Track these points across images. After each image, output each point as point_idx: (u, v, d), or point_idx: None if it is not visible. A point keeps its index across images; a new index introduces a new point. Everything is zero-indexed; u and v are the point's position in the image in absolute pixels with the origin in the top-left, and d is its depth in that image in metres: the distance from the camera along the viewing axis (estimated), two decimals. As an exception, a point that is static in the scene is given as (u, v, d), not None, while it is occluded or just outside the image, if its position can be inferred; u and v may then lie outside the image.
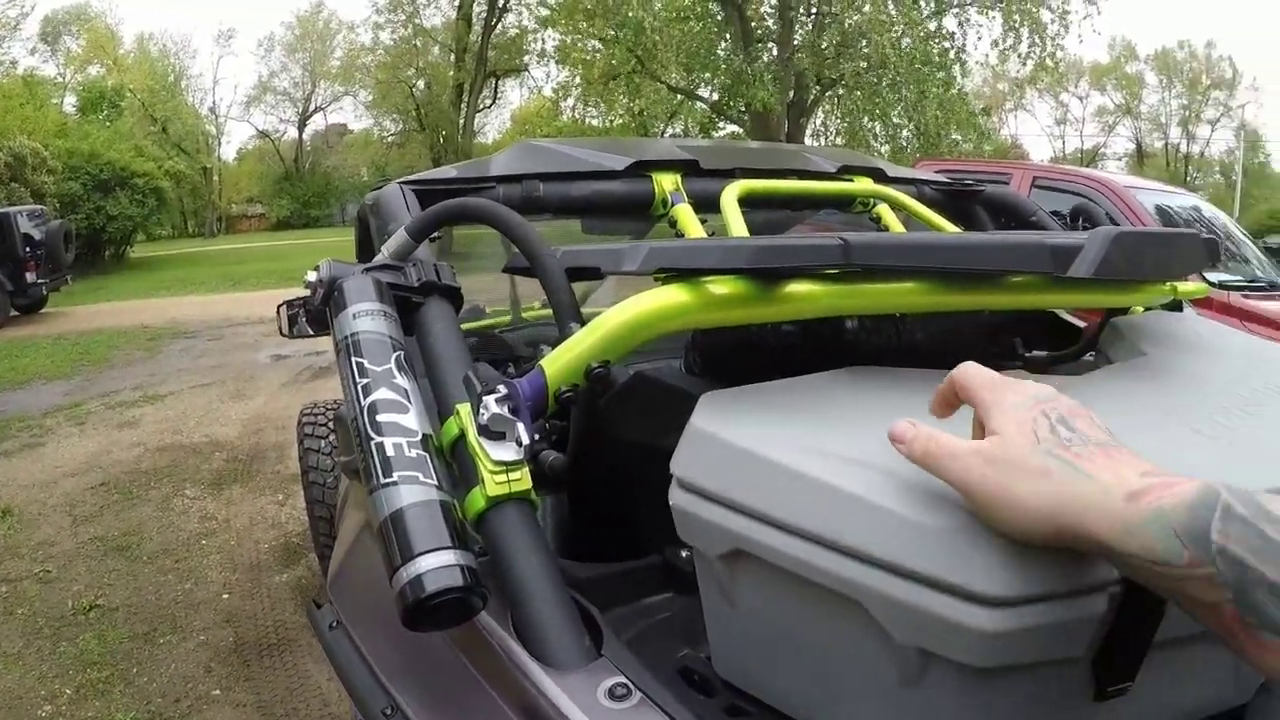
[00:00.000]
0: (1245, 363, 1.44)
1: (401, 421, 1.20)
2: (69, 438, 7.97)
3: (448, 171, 2.14)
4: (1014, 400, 0.84)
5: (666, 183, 2.11)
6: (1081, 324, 2.05)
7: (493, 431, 1.18)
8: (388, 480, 1.13)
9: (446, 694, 1.24)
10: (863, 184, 2.42)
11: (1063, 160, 56.31)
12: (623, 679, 1.05)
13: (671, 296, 1.26)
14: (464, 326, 3.76)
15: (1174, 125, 63.13)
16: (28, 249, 16.46)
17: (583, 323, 1.33)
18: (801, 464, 0.97)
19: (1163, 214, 7.50)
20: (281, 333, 3.58)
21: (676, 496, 1.08)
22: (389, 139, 49.24)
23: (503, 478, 1.17)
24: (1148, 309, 2.02)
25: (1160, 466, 0.76)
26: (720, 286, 1.26)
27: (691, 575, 1.25)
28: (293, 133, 59.57)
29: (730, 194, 2.02)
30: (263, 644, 4.33)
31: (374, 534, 1.14)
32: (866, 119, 25.08)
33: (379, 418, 1.20)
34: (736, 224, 1.93)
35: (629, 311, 1.26)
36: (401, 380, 1.27)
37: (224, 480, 6.71)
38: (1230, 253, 7.65)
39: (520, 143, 2.54)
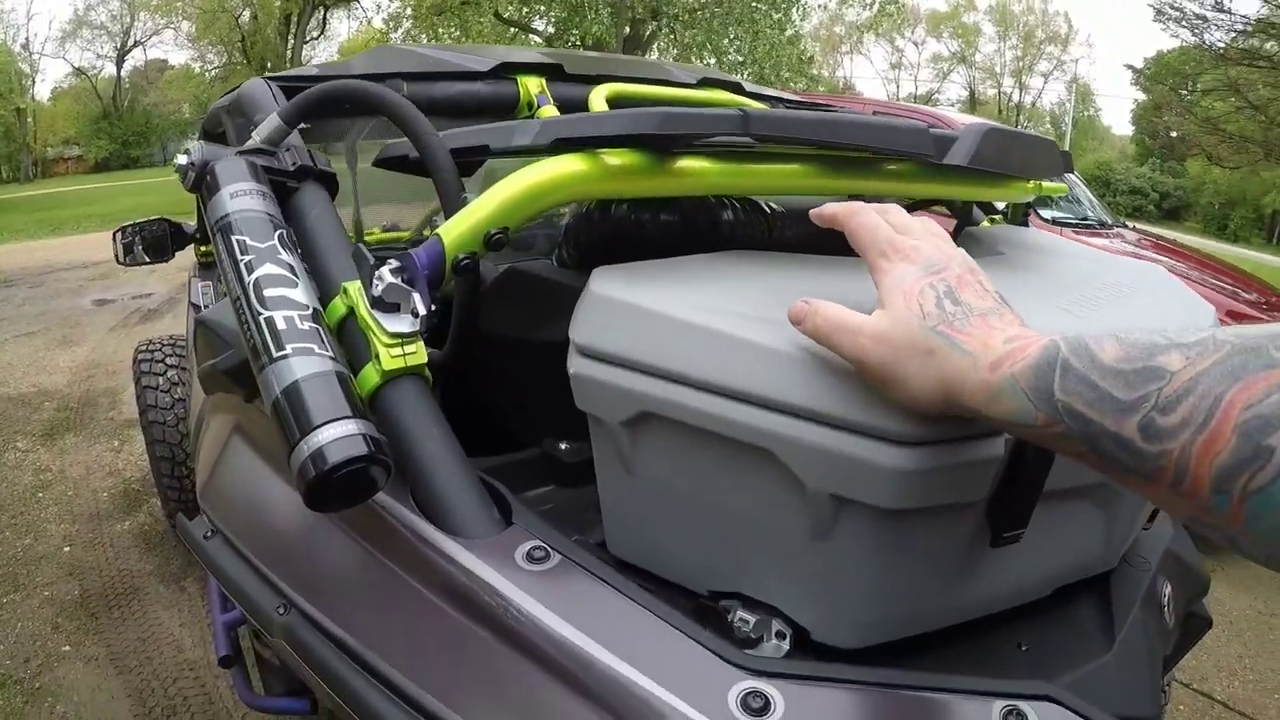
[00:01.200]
0: (1092, 266, 1.52)
1: (290, 295, 1.15)
2: (-117, 397, 7.49)
3: (309, 70, 2.07)
4: (904, 270, 0.88)
5: (532, 85, 2.10)
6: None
7: (387, 304, 1.14)
8: (280, 354, 1.07)
9: (344, 581, 1.16)
10: (724, 96, 2.46)
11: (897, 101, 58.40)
12: (538, 542, 1.03)
13: (569, 165, 1.25)
14: (373, 238, 3.72)
15: (1007, 75, 65.50)
16: None
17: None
18: (708, 320, 1.00)
19: None
20: (117, 260, 3.61)
21: (576, 364, 1.11)
22: (212, 72, 47.67)
23: (398, 351, 1.14)
24: (1011, 207, 2.25)
25: (1028, 330, 0.81)
26: (616, 158, 1.27)
27: (571, 467, 1.33)
28: (110, 69, 56.77)
29: (599, 95, 2.04)
30: (110, 595, 4.20)
31: (267, 414, 1.08)
32: (701, 56, 25.12)
33: (266, 292, 1.14)
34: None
35: (527, 179, 1.24)
36: (286, 256, 1.22)
37: (56, 430, 6.41)
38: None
39: (380, 46, 2.53)
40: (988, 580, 1.09)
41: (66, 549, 4.65)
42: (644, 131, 1.25)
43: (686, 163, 1.33)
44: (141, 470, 5.49)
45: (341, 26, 52.31)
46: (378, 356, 1.13)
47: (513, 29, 27.39)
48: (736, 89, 2.55)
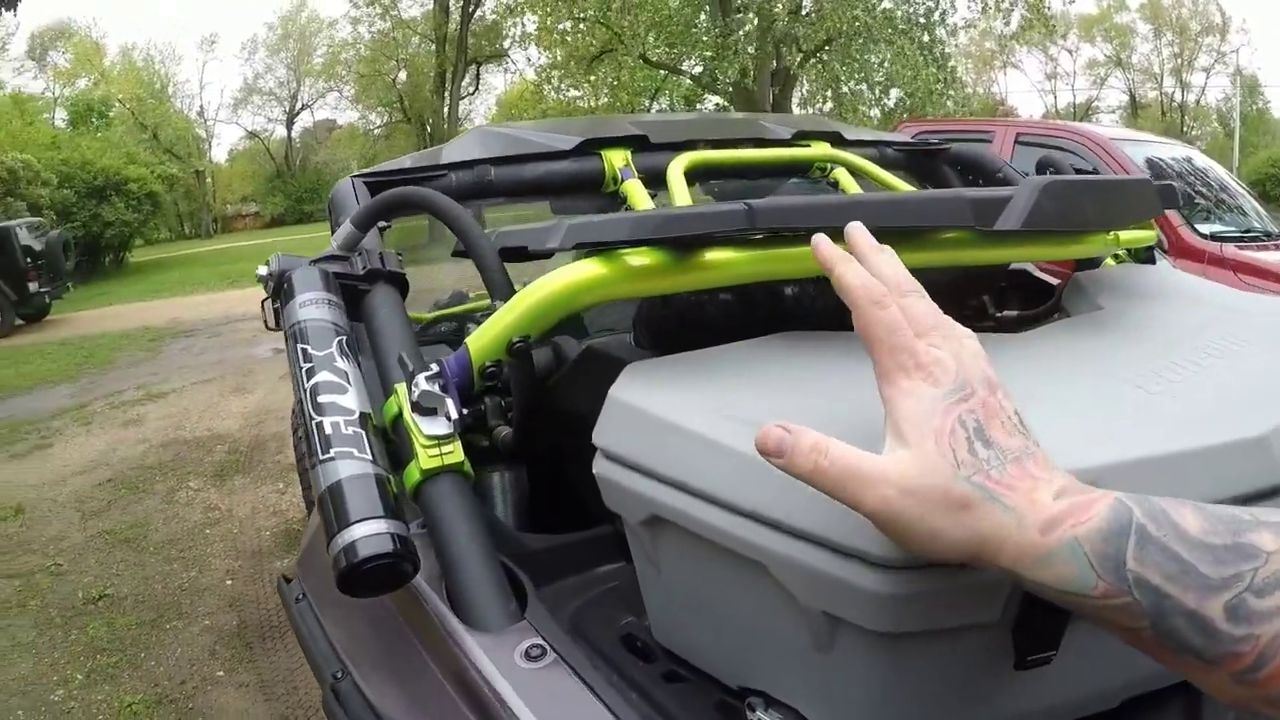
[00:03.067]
0: (1207, 313, 1.39)
1: (340, 401, 1.24)
2: (76, 437, 8.14)
3: (403, 162, 2.15)
4: (928, 396, 0.74)
5: (616, 159, 2.11)
6: (1055, 281, 1.97)
7: (424, 408, 1.24)
8: (326, 456, 1.17)
9: (388, 660, 1.30)
10: (818, 149, 2.38)
11: (1055, 116, 55.26)
12: (539, 640, 1.08)
13: (588, 270, 1.26)
14: (447, 311, 3.74)
15: (1167, 75, 61.55)
16: (28, 260, 16.68)
17: None
18: (707, 429, 0.97)
19: (1153, 166, 7.24)
20: (267, 326, 3.79)
21: (599, 465, 1.10)
22: (376, 131, 49.17)
23: (435, 451, 1.22)
24: (1118, 260, 2.04)
25: (1077, 483, 0.72)
26: (636, 258, 1.26)
27: None
28: (281, 131, 59.43)
29: (676, 167, 2.03)
30: (265, 627, 4.47)
31: (316, 506, 1.20)
32: (849, 84, 24.92)
33: (320, 398, 1.24)
34: (681, 195, 1.95)
35: (546, 287, 1.27)
36: (342, 363, 1.31)
37: (226, 471, 6.87)
38: (1225, 204, 7.49)
39: (475, 129, 2.57)
40: (1021, 698, 0.98)
41: (229, 582, 4.98)
42: (646, 236, 1.25)
43: (710, 255, 1.30)
44: (303, 512, 5.79)
45: (497, 79, 53.36)
46: (417, 456, 1.22)
47: (662, 71, 27.59)
48: (836, 139, 2.46)
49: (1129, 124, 53.28)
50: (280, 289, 1.47)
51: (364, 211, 1.57)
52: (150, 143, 46.88)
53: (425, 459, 1.21)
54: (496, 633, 1.10)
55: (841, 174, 2.35)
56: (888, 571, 0.80)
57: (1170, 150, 8.08)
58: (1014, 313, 1.89)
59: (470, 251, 1.43)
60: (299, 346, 1.33)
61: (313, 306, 1.38)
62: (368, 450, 1.18)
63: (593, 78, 26.23)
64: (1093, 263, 1.90)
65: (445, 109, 34.09)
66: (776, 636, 0.98)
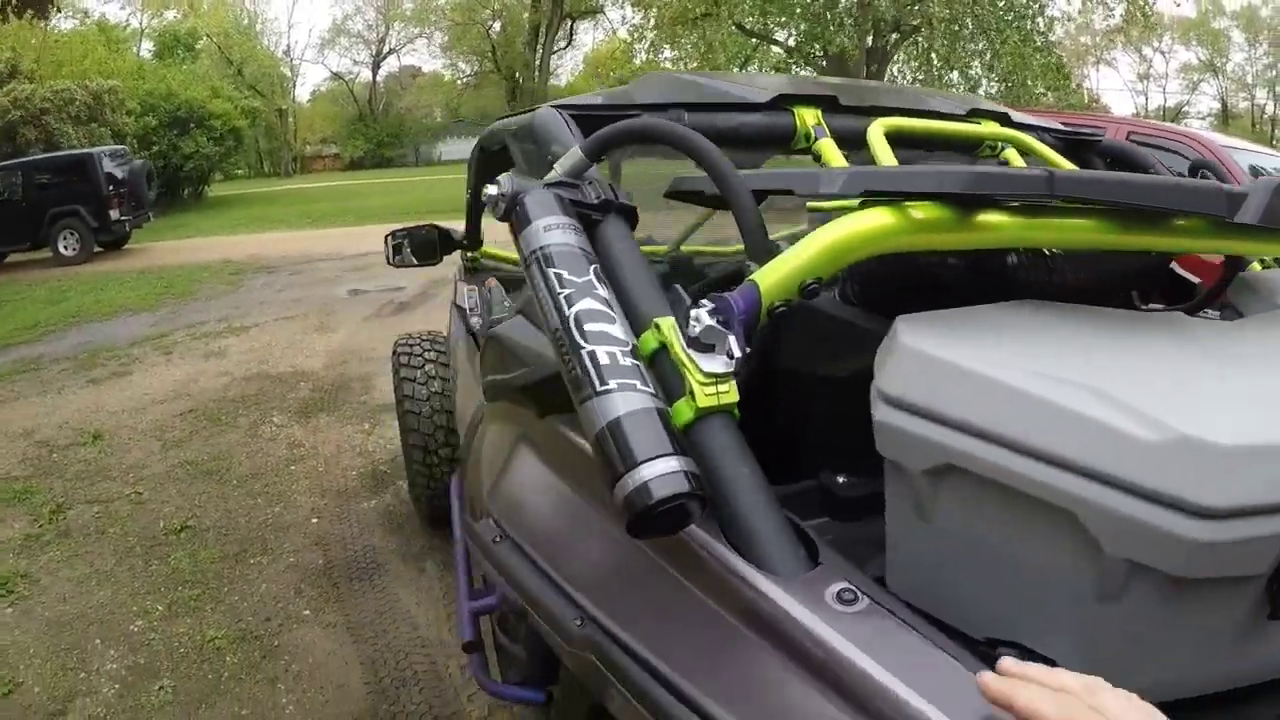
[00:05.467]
0: None
1: (610, 330, 1.19)
2: (156, 366, 8.08)
3: (593, 99, 2.13)
4: None
5: (809, 117, 2.08)
6: (1194, 279, 2.10)
7: (703, 344, 1.17)
8: (604, 388, 1.12)
9: (645, 602, 1.22)
10: (992, 127, 2.40)
11: (1145, 117, 54.73)
12: (848, 584, 1.04)
13: (879, 219, 1.29)
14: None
15: (1260, 85, 60.81)
16: (111, 187, 16.86)
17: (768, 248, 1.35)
18: (1018, 380, 1.03)
19: (1255, 174, 6.90)
20: (387, 260, 3.87)
21: (882, 412, 1.15)
22: (463, 80, 49.29)
23: (712, 390, 1.15)
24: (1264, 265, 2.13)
25: None
26: (922, 211, 1.30)
27: (846, 500, 1.34)
28: (366, 75, 59.68)
29: (877, 131, 2.00)
30: (352, 567, 4.35)
31: (590, 443, 1.13)
32: (944, 68, 24.46)
33: (587, 327, 1.19)
34: (886, 157, 1.90)
35: (842, 230, 1.29)
36: (602, 291, 1.26)
37: (310, 409, 6.75)
38: None
39: (652, 74, 2.56)
40: (1273, 646, 1.07)
41: (314, 520, 4.86)
42: (954, 190, 1.29)
43: (987, 217, 1.35)
44: (390, 454, 5.70)
45: (587, 37, 53.40)
46: (692, 394, 1.15)
47: (754, 39, 27.19)
48: (1004, 119, 2.50)
49: (1219, 130, 52.87)
50: (513, 211, 1.41)
51: (601, 139, 1.54)
52: (235, 78, 47.21)
53: (702, 397, 1.15)
54: (797, 577, 1.06)
55: (1012, 154, 2.38)
56: (1203, 519, 0.89)
57: (1273, 161, 7.91)
58: (1159, 306, 2.03)
59: (725, 192, 1.40)
60: (550, 271, 1.28)
61: (558, 231, 1.34)
62: (648, 382, 1.15)
63: (684, 41, 25.93)
64: (1240, 264, 1.93)
65: (537, 62, 33.85)
66: (1057, 586, 1.03)
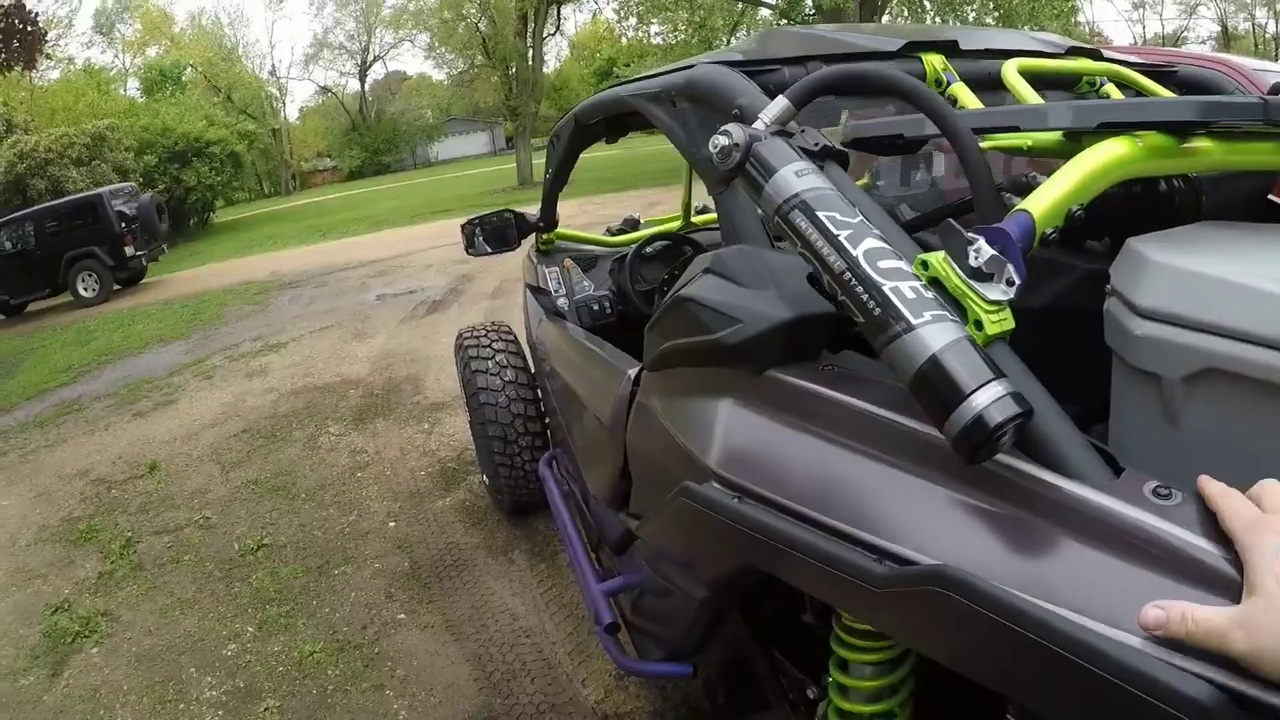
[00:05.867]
0: None
1: (901, 266, 1.16)
2: (200, 392, 7.98)
3: (734, 55, 2.10)
4: (1270, 546, 0.87)
5: (936, 63, 2.08)
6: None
7: (983, 273, 1.16)
8: (918, 322, 1.09)
9: (956, 531, 1.15)
10: (1094, 64, 2.41)
11: (1143, 44, 54.21)
12: (1158, 483, 1.03)
13: (1121, 149, 1.36)
14: (639, 235, 4.11)
15: (1259, 5, 59.95)
16: (123, 224, 16.94)
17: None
18: (1269, 285, 1.11)
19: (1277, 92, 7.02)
20: (466, 250, 4.00)
21: (1143, 327, 1.21)
22: (454, 77, 49.25)
23: (997, 317, 1.15)
24: None
25: None
26: (1151, 140, 1.39)
27: None
28: (354, 85, 60.13)
29: (1012, 70, 2.01)
30: (439, 567, 4.26)
31: (905, 383, 1.11)
32: (937, 16, 24.18)
33: (881, 264, 1.16)
34: (1031, 95, 1.91)
35: (1099, 159, 1.35)
36: (876, 228, 1.24)
37: (365, 415, 6.64)
38: None
39: (774, 30, 2.72)
40: None
41: (391, 524, 4.75)
42: (1187, 119, 1.40)
43: (1197, 144, 1.44)
44: (455, 450, 5.61)
45: (570, 23, 53.50)
46: (979, 323, 1.15)
47: (741, 3, 26.83)
48: (1097, 56, 2.49)
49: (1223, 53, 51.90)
50: (747, 161, 1.35)
51: (808, 87, 1.49)
52: (225, 104, 47.40)
53: (990, 325, 1.15)
54: (1114, 483, 1.05)
55: (1111, 88, 2.38)
56: None
57: None
58: None
59: (951, 137, 1.40)
60: (821, 215, 1.23)
61: (812, 176, 1.30)
62: (953, 311, 1.13)
63: (673, 14, 25.73)
64: None
65: (530, 51, 33.54)
66: None
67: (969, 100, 1.95)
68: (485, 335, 4.36)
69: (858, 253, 1.18)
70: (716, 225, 4.19)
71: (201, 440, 6.56)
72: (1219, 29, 61.79)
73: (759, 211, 1.43)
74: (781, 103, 1.46)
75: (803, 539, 1.28)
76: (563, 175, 3.53)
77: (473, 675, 3.41)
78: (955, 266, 1.17)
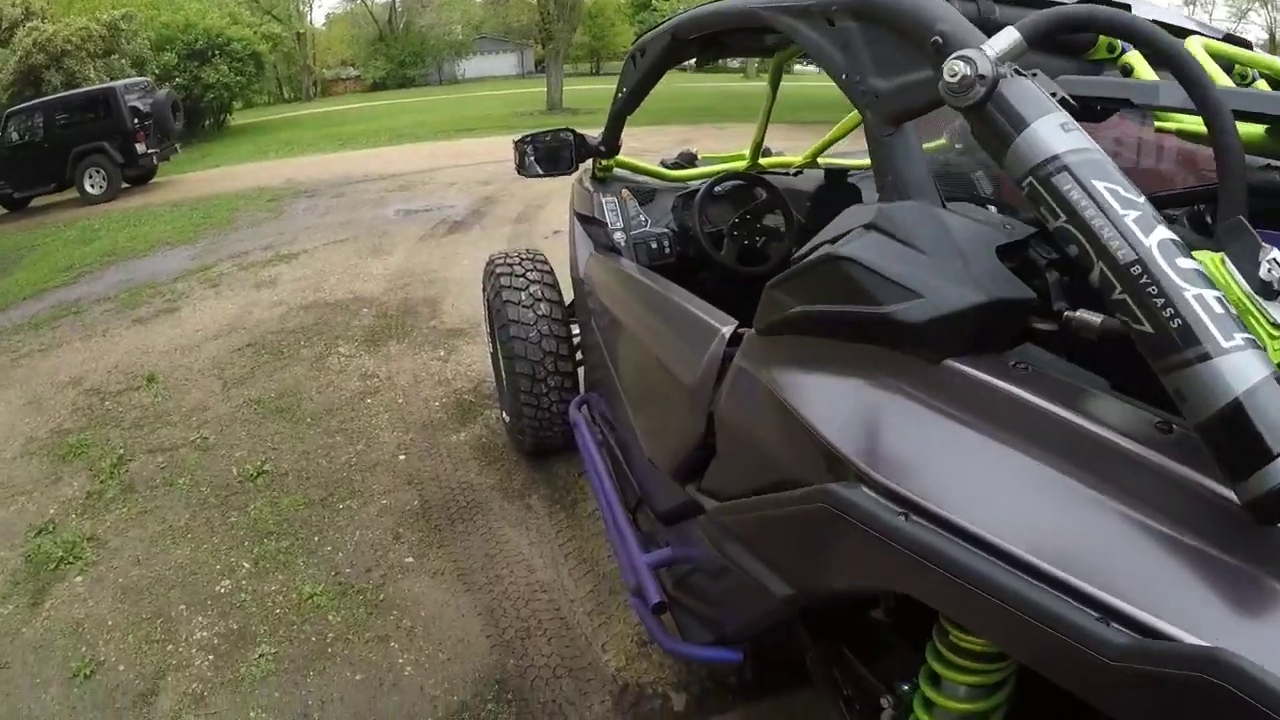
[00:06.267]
0: None
1: (1199, 270, 0.95)
2: (205, 300, 7.63)
3: None
4: None
5: None
6: None
7: (1273, 290, 1.02)
8: (1228, 347, 0.90)
9: (1218, 603, 0.93)
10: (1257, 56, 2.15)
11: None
12: None
13: None
14: (704, 170, 3.94)
15: None
16: (135, 121, 16.40)
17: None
18: None
19: None
20: (518, 170, 3.72)
21: None
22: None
23: (1278, 344, 0.98)
24: None
25: None
26: None
27: None
28: (385, -7, 58.84)
29: (1198, 46, 1.80)
30: (451, 507, 3.98)
31: (1193, 419, 0.93)
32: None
33: (1180, 263, 0.95)
34: (1224, 79, 1.72)
35: None
36: (1158, 214, 1.01)
37: (378, 337, 6.30)
38: None
39: None
40: None
41: (401, 457, 4.46)
42: None
43: None
44: (472, 382, 5.32)
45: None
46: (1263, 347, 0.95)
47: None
48: (1248, 46, 2.21)
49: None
50: (987, 101, 1.12)
51: (1044, 22, 1.24)
52: (250, 4, 46.58)
53: (1274, 351, 0.97)
54: None
55: (1263, 83, 2.11)
56: None
57: None
58: None
59: (1210, 116, 1.19)
60: (1099, 186, 1.01)
61: (1078, 134, 1.07)
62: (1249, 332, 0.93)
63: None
64: None
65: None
66: None
67: (1146, 71, 1.77)
68: (521, 263, 4.03)
69: (1150, 243, 0.96)
70: (786, 170, 3.90)
71: (203, 352, 6.23)
72: (1266, 36, 61.56)
73: (943, 163, 1.25)
74: (1012, 35, 1.19)
75: (1006, 585, 1.04)
76: (639, 96, 3.17)
77: (484, 631, 3.16)
78: (1237, 275, 1.00)
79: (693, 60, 3.13)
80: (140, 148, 16.39)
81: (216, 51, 28.33)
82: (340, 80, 57.81)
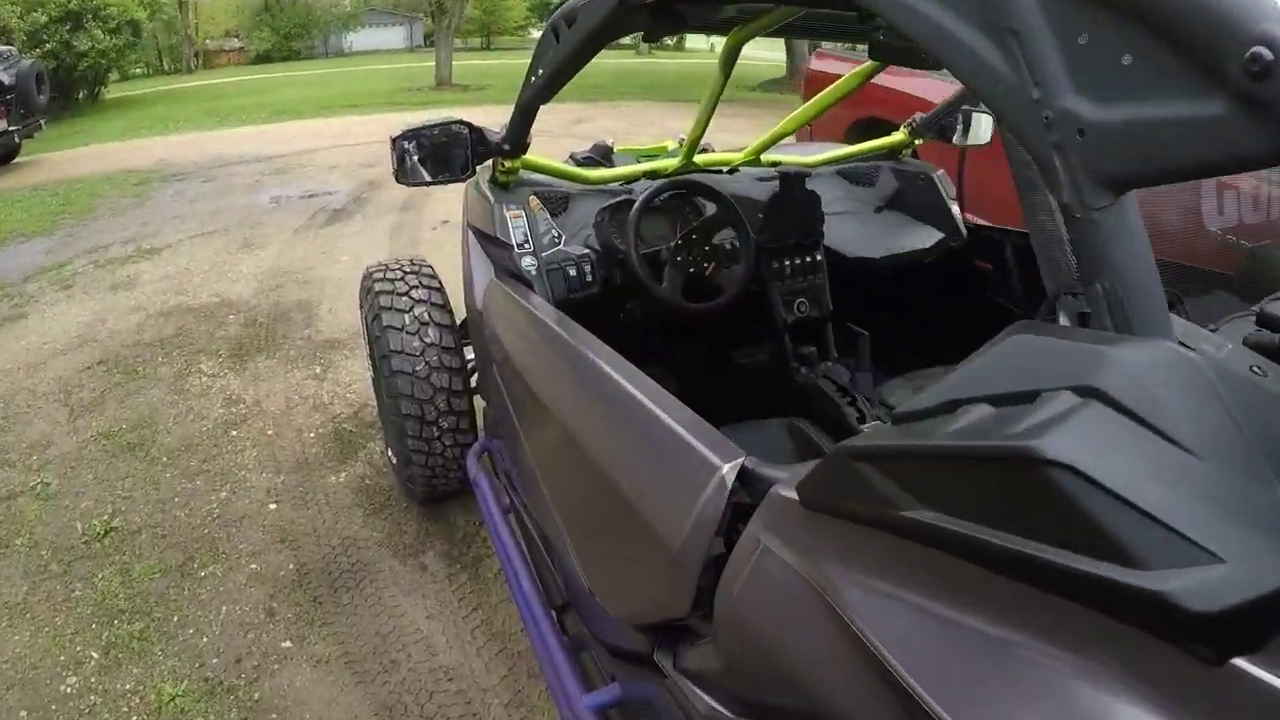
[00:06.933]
0: None
1: None
2: (56, 305, 6.76)
3: None
4: None
5: None
6: None
7: None
8: None
9: None
10: None
11: None
12: None
13: None
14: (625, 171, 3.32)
15: None
16: (-5, 94, 15.21)
17: None
18: None
19: None
20: (396, 177, 2.94)
21: None
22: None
23: None
24: None
25: None
26: None
27: None
28: (270, -38, 57.40)
29: None
30: (333, 571, 3.44)
31: None
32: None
33: None
34: None
35: None
36: None
37: (245, 350, 5.61)
38: None
39: None
40: None
41: (272, 506, 3.88)
42: None
43: None
44: (352, 406, 4.73)
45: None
46: None
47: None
48: None
49: None
50: None
51: None
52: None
53: None
54: None
55: None
56: None
57: None
58: None
59: None
60: None
61: None
62: None
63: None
64: None
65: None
66: None
67: None
68: (404, 277, 3.42)
69: None
70: (723, 169, 3.35)
71: (49, 371, 5.46)
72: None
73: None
74: None
75: None
76: (561, 79, 2.46)
77: (382, 737, 2.65)
78: None
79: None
80: (1, 124, 15.28)
81: (90, 16, 27.05)
82: (224, 52, 56.23)
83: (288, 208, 9.62)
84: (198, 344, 5.72)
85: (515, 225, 2.91)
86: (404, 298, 3.31)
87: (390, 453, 3.73)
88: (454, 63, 26.42)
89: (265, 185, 10.89)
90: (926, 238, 3.41)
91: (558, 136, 11.90)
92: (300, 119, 18.67)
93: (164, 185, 11.41)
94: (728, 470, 1.42)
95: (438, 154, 2.87)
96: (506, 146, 2.88)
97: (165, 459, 4.28)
